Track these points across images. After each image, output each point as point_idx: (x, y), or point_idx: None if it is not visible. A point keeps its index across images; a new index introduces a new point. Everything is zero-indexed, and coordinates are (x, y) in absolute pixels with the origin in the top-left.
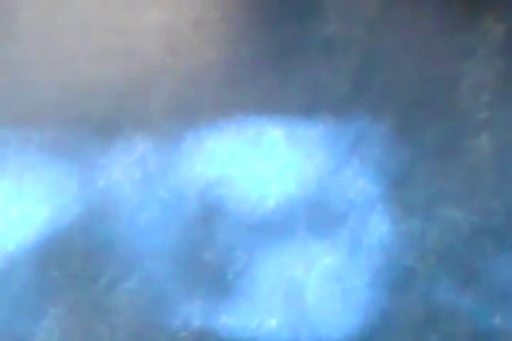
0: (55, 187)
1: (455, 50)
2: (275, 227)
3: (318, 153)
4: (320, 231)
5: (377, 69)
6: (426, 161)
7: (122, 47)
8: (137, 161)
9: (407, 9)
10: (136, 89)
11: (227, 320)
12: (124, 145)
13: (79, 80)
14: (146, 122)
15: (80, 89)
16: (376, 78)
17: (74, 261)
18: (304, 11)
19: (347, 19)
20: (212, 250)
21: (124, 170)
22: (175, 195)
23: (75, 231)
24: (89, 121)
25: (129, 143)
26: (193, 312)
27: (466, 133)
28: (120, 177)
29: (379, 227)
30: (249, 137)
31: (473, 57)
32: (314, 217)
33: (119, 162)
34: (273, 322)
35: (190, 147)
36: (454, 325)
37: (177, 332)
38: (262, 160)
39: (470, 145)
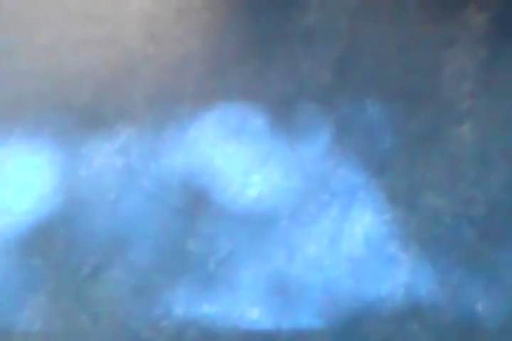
0: (37, 177)
1: (437, 38)
2: (258, 217)
3: (301, 142)
4: (302, 221)
5: (359, 58)
6: (408, 150)
7: (104, 36)
8: (119, 150)
9: None
10: (118, 77)
11: (209, 309)
12: (105, 134)
13: (60, 69)
14: (128, 111)
15: (62, 78)
16: (358, 67)
17: (56, 250)
18: (286, 0)
19: (329, 8)
20: (195, 239)
21: (106, 159)
22: (157, 184)
23: (56, 221)
24: (70, 110)
25: (111, 132)
26: (175, 301)
27: (449, 122)
28: (102, 166)
29: (361, 216)
30: (232, 126)
31: (456, 46)
32: (297, 206)
33: (100, 151)
34: (255, 312)
35: (172, 136)
36: (437, 313)
37: (159, 321)
38: (245, 150)
39: (453, 134)
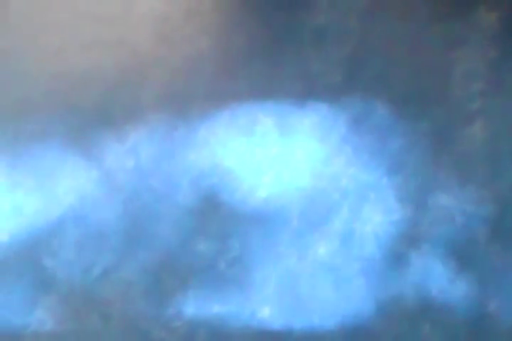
0: (47, 178)
1: (448, 38)
2: (268, 216)
3: (311, 142)
4: (313, 221)
5: (369, 58)
6: (419, 150)
7: (114, 37)
8: (130, 151)
9: None
10: (128, 78)
11: (220, 309)
12: (116, 134)
13: (70, 70)
14: (139, 111)
15: (72, 79)
16: (368, 67)
17: (67, 251)
18: (296, 1)
19: (339, 8)
20: (205, 239)
21: (117, 159)
22: (167, 184)
23: (67, 221)
24: (81, 111)
25: (121, 133)
26: (186, 302)
27: (459, 121)
28: (112, 166)
29: (372, 216)
30: (242, 126)
31: (466, 46)
32: (307, 206)
33: (111, 151)
34: (266, 312)
35: (182, 136)
36: (448, 313)
37: (170, 322)
38: (255, 150)
39: (463, 134)
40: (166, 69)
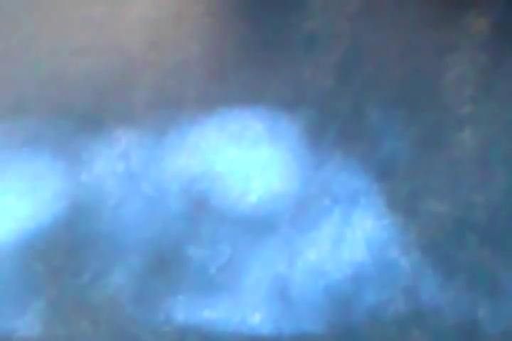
0: (38, 182)
1: (438, 44)
2: (258, 222)
3: (302, 148)
4: (303, 226)
5: (360, 63)
6: (409, 155)
7: (105, 42)
8: (120, 155)
9: (390, 3)
10: (119, 83)
11: (210, 314)
12: (106, 139)
13: (61, 75)
14: (129, 116)
15: (62, 84)
16: (359, 72)
17: (57, 255)
18: (287, 5)
19: (330, 13)
20: (195, 245)
21: (107, 164)
22: (158, 189)
23: (57, 226)
24: (71, 116)
25: (112, 137)
26: (176, 307)
27: (450, 127)
28: (103, 171)
29: (363, 222)
30: (232, 131)
31: (457, 52)
32: (297, 211)
33: (101, 156)
34: (256, 317)
35: (173, 141)
36: (438, 319)
37: (160, 327)
38: (245, 155)
39: (453, 140)
40: (156, 73)
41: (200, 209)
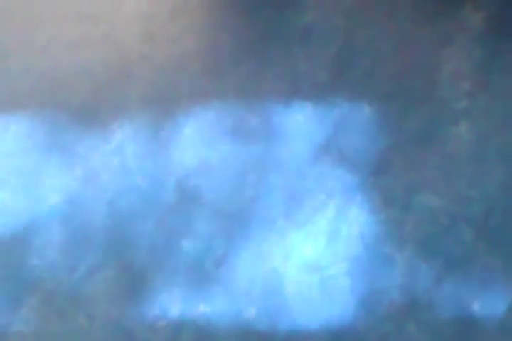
0: (33, 176)
1: (434, 38)
2: (254, 216)
3: (297, 142)
4: (298, 221)
5: (355, 57)
6: (405, 150)
7: (100, 36)
8: (115, 149)
9: None
10: (114, 77)
11: (205, 308)
12: (101, 133)
13: (56, 68)
14: (124, 110)
15: (57, 78)
16: (355, 66)
17: (52, 250)
18: (282, 0)
19: (326, 7)
20: (191, 239)
21: (102, 158)
22: (153, 183)
23: (52, 220)
24: (67, 110)
25: (107, 132)
26: (172, 301)
27: (445, 121)
28: (98, 165)
29: (358, 216)
30: (228, 126)
31: (453, 46)
32: (293, 206)
33: (97, 150)
34: (251, 311)
35: (168, 135)
36: (433, 313)
37: (155, 321)
38: (240, 149)
39: (449, 134)
40: (152, 67)
41: (195, 203)
